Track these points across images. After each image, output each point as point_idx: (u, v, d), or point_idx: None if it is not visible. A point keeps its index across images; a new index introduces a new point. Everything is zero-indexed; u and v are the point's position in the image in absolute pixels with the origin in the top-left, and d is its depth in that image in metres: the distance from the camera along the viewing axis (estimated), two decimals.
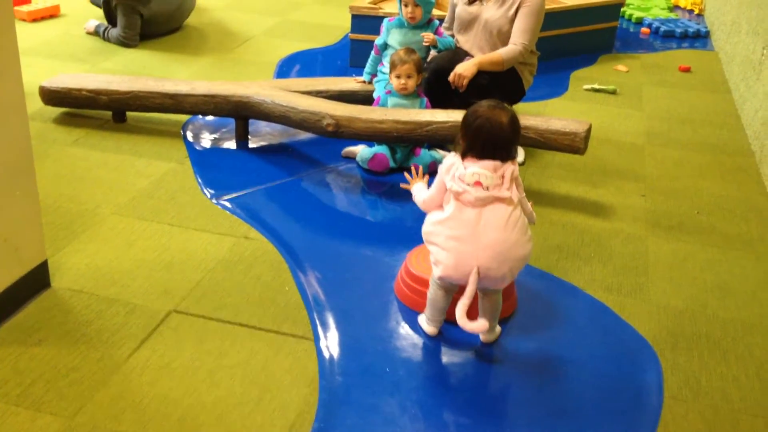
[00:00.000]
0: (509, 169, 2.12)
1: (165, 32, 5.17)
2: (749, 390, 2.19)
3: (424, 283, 2.40)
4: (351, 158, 3.50)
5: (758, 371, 2.27)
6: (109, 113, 3.68)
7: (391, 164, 3.40)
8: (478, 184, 2.09)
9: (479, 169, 2.10)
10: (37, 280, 2.39)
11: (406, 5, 3.55)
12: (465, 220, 2.10)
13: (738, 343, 2.39)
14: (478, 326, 2.09)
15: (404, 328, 2.36)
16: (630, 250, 2.89)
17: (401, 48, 3.47)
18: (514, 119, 2.15)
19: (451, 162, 2.18)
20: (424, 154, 3.39)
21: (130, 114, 3.72)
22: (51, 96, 3.65)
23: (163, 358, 2.16)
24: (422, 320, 2.35)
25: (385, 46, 3.65)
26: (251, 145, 3.61)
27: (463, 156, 2.14)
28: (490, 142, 2.11)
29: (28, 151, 2.29)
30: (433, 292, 2.27)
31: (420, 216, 3.04)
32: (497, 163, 2.11)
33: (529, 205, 2.25)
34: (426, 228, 2.22)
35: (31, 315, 2.30)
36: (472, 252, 2.08)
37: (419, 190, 2.32)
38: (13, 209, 2.24)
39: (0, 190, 2.18)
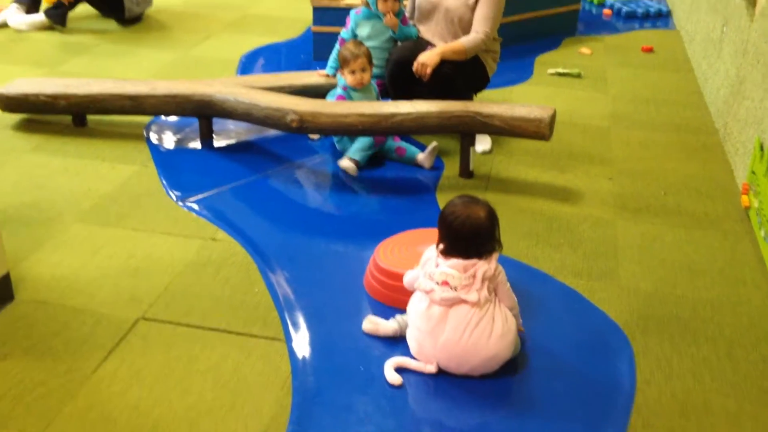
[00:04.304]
0: (481, 268, 2.09)
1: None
2: (720, 370, 2.21)
3: (393, 277, 2.40)
4: None
5: (728, 351, 2.29)
6: (69, 117, 3.61)
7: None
8: (445, 283, 2.09)
9: (448, 269, 2.10)
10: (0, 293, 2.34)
11: (385, 0, 3.52)
12: (429, 315, 2.11)
13: (708, 324, 2.41)
14: (395, 380, 2.10)
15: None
16: (599, 234, 2.91)
17: (349, 42, 3.45)
18: (490, 212, 2.15)
19: (427, 257, 2.19)
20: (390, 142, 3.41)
21: (90, 117, 3.64)
22: (8, 102, 3.56)
23: (132, 368, 2.13)
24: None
25: (354, 38, 3.63)
26: (216, 143, 3.57)
27: (443, 253, 2.14)
28: (469, 238, 2.11)
29: None
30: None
31: (390, 211, 3.04)
32: (469, 262, 2.10)
33: (511, 297, 2.21)
34: (408, 306, 2.23)
35: None
36: (430, 349, 2.11)
37: (409, 272, 2.29)
38: None
39: None
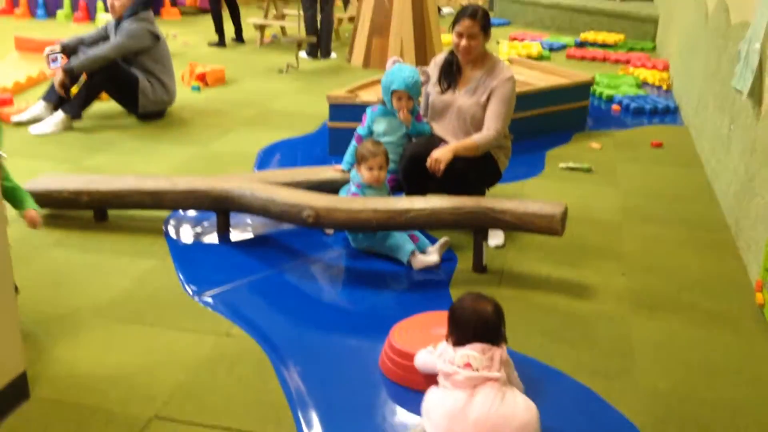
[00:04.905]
0: (498, 352, 2.21)
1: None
2: None
3: (408, 357, 2.46)
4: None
5: None
6: (91, 212, 3.69)
7: None
8: (467, 365, 2.18)
9: (468, 351, 2.20)
10: (16, 392, 2.34)
11: (400, 99, 3.64)
12: (455, 399, 2.15)
13: (728, 426, 2.37)
14: None
15: (391, 425, 2.32)
16: (614, 331, 2.90)
17: (367, 140, 3.55)
18: (497, 307, 2.30)
19: (442, 348, 2.30)
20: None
21: (111, 212, 3.73)
22: (33, 198, 3.65)
23: None
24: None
25: (370, 134, 3.74)
26: (233, 237, 3.63)
27: (455, 345, 2.26)
28: (478, 330, 2.23)
29: (7, 261, 2.28)
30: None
31: (404, 306, 3.05)
32: (486, 345, 2.21)
33: (518, 381, 2.32)
34: (424, 403, 2.25)
35: (10, 430, 2.24)
36: (462, 430, 2.11)
37: (421, 354, 2.39)
38: None
39: None
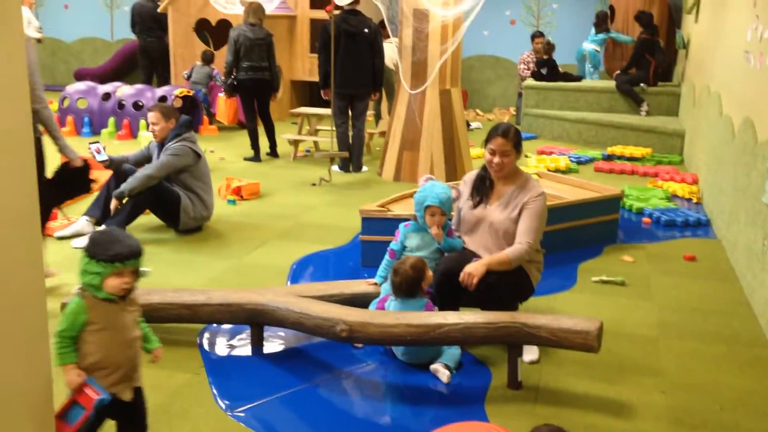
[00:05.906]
0: None
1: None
2: None
3: None
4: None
5: None
6: None
7: None
8: None
9: None
10: None
11: (433, 215, 3.74)
12: None
13: None
14: None
15: None
16: None
17: (396, 264, 3.62)
18: None
19: None
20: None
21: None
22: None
23: None
24: None
25: (403, 250, 3.81)
26: (266, 350, 3.64)
27: None
28: None
29: (48, 389, 2.31)
30: None
31: (439, 423, 2.97)
32: None
33: None
34: None
35: None
36: None
37: None
38: None
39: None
